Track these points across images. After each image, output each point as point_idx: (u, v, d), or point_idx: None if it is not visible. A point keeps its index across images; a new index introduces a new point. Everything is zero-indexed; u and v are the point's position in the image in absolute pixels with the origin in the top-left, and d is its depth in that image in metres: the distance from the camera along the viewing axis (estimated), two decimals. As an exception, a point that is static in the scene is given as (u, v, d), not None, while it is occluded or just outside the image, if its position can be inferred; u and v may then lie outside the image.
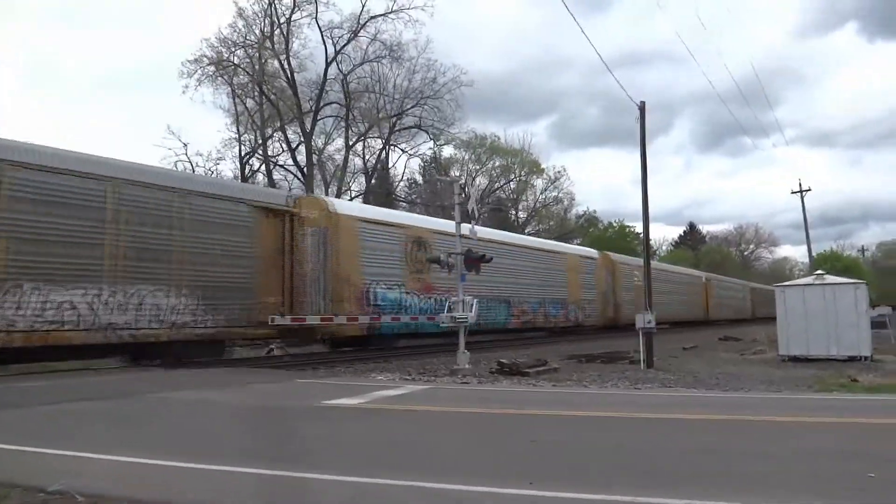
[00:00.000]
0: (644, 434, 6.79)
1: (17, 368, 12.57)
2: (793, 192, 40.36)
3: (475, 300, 15.84)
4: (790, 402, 9.44)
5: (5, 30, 66.96)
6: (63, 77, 71.38)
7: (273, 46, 36.89)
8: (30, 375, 11.97)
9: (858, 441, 6.31)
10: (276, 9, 36.45)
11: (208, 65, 36.06)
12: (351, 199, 39.99)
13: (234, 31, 36.51)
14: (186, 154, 36.79)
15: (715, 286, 51.80)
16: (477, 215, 16.31)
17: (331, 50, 37.81)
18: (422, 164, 49.83)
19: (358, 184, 45.58)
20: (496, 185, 56.05)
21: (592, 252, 34.10)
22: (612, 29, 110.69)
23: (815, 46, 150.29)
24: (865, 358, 15.91)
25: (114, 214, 13.25)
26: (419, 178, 52.80)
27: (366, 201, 39.39)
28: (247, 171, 39.81)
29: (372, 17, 36.94)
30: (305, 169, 38.76)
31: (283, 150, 40.55)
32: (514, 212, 58.32)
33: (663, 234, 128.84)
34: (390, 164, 47.22)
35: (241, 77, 37.67)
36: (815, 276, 18.19)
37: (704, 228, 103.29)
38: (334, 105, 40.01)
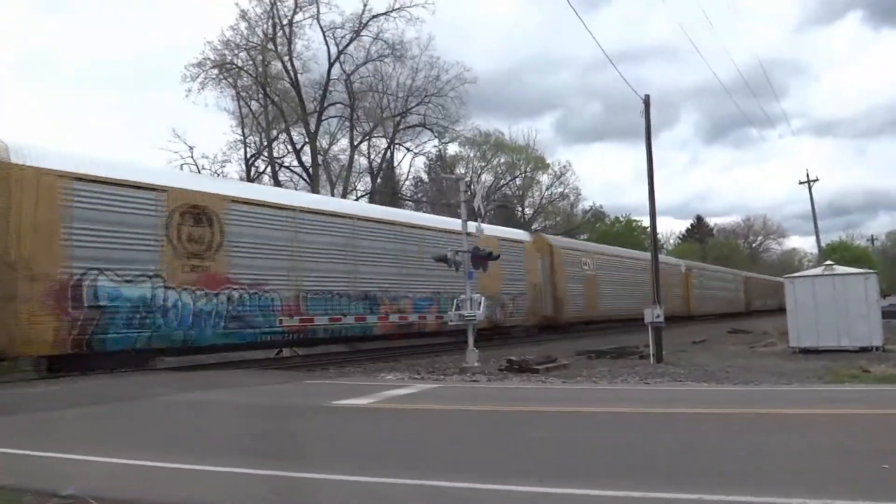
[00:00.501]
0: (654, 429, 6.76)
1: (24, 375, 12.64)
2: (800, 183, 40.01)
3: (483, 297, 15.72)
4: (801, 395, 9.37)
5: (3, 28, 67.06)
6: (63, 76, 71.59)
7: (276, 48, 36.94)
8: (42, 380, 12.02)
9: (872, 432, 6.26)
10: (278, 10, 36.54)
11: (211, 68, 36.16)
12: (357, 199, 39.93)
13: (237, 33, 36.62)
14: (192, 157, 36.92)
15: (696, 276, 45.76)
16: (483, 212, 16.27)
17: (333, 50, 37.91)
18: (427, 162, 49.94)
19: (363, 183, 45.67)
20: (502, 181, 55.97)
21: (520, 234, 28.48)
22: (608, 27, 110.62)
23: (820, 35, 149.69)
24: (877, 348, 15.80)
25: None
26: (425, 177, 52.90)
27: (372, 201, 39.37)
28: (252, 172, 39.93)
29: (374, 16, 36.97)
30: (311, 170, 38.81)
31: (289, 152, 40.71)
32: (520, 208, 58.26)
33: (670, 228, 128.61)
34: (395, 164, 47.35)
35: (245, 79, 37.77)
36: (824, 267, 18.06)
37: (712, 221, 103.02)
38: (338, 105, 40.06)
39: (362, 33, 37.69)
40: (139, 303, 13.17)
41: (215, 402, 9.32)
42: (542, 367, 13.17)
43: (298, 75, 37.73)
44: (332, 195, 37.85)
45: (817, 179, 39.80)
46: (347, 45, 37.99)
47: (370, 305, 18.57)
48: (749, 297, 57.27)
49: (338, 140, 42.41)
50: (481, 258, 15.69)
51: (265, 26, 36.77)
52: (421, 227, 21.16)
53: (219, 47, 36.34)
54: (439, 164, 49.72)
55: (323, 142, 41.02)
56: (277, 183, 38.48)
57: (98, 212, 12.71)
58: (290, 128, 39.12)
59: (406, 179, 50.05)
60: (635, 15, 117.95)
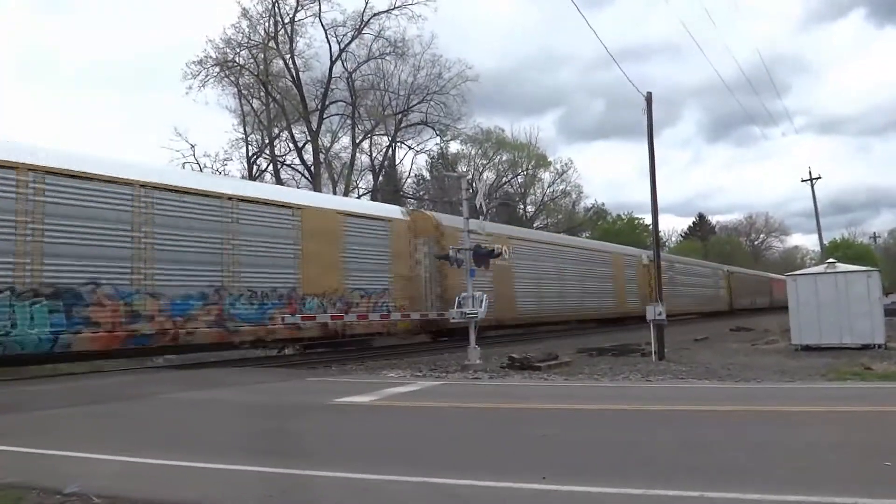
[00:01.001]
0: (656, 427, 6.75)
1: (30, 371, 12.68)
2: (803, 181, 39.94)
3: (485, 295, 15.64)
4: (803, 392, 9.37)
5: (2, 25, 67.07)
6: (63, 76, 71.60)
7: (277, 46, 36.92)
8: (41, 379, 12.06)
9: (873, 430, 6.25)
10: (279, 8, 36.52)
11: (213, 66, 36.13)
12: (359, 197, 39.95)
13: (238, 31, 36.58)
14: (194, 155, 36.93)
15: (664, 269, 35.63)
16: (485, 210, 16.17)
17: (335, 48, 37.88)
18: (429, 160, 49.85)
19: (365, 181, 45.68)
20: (504, 179, 55.93)
21: (386, 209, 22.03)
22: (611, 24, 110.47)
23: (823, 33, 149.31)
24: (879, 346, 15.76)
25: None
26: (427, 175, 52.86)
27: (373, 199, 39.38)
28: (254, 171, 39.95)
29: (375, 14, 36.95)
30: (312, 168, 38.82)
31: (290, 150, 40.67)
32: (521, 206, 58.22)
33: (672, 226, 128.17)
34: (397, 161, 47.32)
35: (247, 77, 37.76)
36: (826, 265, 18.04)
37: (714, 219, 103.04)
38: (340, 103, 40.05)
39: (364, 31, 37.74)
40: None
41: (217, 400, 9.34)
42: (544, 365, 13.17)
43: (300, 73, 37.80)
44: (335, 193, 37.87)
45: (820, 177, 39.80)
46: (349, 43, 38.05)
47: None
48: (734, 294, 51.07)
49: (339, 138, 42.46)
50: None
51: (267, 24, 36.79)
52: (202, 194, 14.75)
53: (220, 45, 36.38)
54: (441, 162, 49.72)
55: (325, 140, 41.06)
56: (279, 181, 38.50)
57: None
58: (292, 126, 39.10)
59: (408, 177, 50.16)
60: (638, 12, 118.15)
